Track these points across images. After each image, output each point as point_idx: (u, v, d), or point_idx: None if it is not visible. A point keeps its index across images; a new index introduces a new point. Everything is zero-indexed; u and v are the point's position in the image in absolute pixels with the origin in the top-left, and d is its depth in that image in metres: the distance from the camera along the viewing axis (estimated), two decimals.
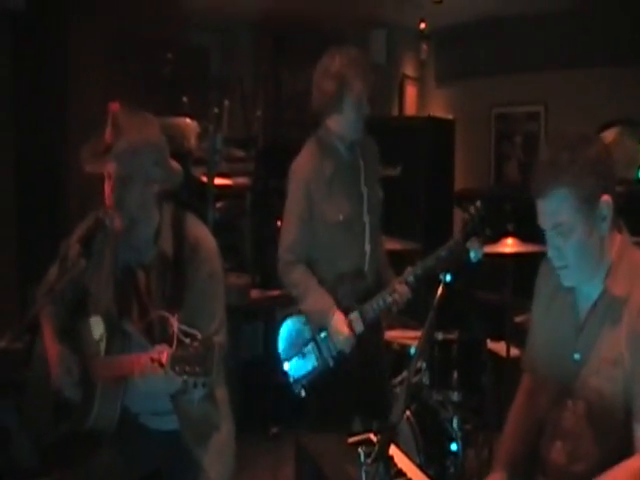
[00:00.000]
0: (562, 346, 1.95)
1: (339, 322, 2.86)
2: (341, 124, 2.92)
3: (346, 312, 2.89)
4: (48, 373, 2.29)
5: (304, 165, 2.96)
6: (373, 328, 2.97)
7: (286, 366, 2.99)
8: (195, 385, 1.94)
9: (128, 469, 2.32)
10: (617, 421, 1.82)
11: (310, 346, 2.95)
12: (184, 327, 2.06)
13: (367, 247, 3.00)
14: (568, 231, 1.83)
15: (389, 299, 2.86)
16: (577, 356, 1.90)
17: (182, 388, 1.98)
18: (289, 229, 2.98)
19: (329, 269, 2.97)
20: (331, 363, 2.92)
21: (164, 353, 1.99)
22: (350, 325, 2.87)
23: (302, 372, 2.97)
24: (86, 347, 2.30)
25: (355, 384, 2.95)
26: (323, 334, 2.93)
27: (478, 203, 2.72)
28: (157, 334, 2.25)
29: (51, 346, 2.32)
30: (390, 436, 1.71)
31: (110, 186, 2.23)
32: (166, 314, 2.15)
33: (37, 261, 2.51)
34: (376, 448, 1.73)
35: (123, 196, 2.23)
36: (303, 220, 2.94)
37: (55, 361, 2.28)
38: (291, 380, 2.99)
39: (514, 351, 3.72)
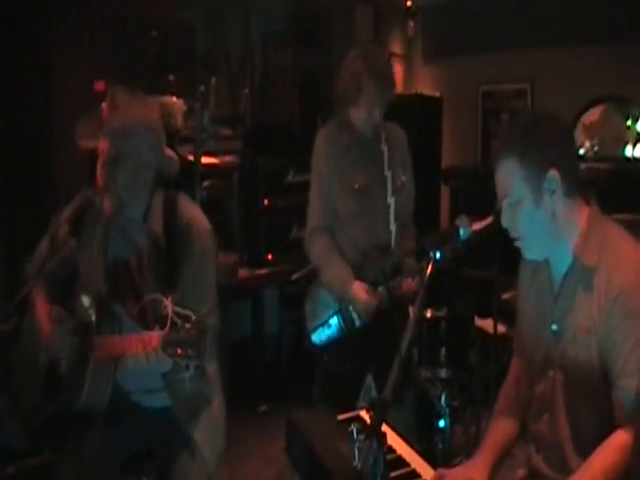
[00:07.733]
0: (542, 319, 2.00)
1: (358, 289, 2.93)
2: (354, 116, 3.00)
3: (373, 287, 2.95)
4: (37, 350, 2.27)
5: (322, 134, 3.09)
6: (397, 304, 3.01)
7: (313, 337, 3.06)
8: (187, 367, 1.95)
9: (121, 448, 2.33)
10: (592, 386, 1.86)
11: (335, 317, 3.02)
12: (178, 309, 2.06)
13: (392, 226, 3.06)
14: (516, 202, 1.88)
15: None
16: (555, 327, 1.96)
17: (173, 369, 1.99)
18: (312, 197, 3.09)
19: (351, 242, 3.03)
20: (345, 332, 2.98)
21: (155, 336, 1.99)
22: (370, 291, 2.92)
23: (325, 341, 3.04)
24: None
25: (372, 355, 2.99)
26: (348, 306, 2.99)
27: None
28: (150, 317, 2.24)
29: (42, 312, 2.29)
30: (383, 412, 1.70)
31: (101, 163, 2.21)
32: (160, 297, 2.13)
33: (23, 240, 2.48)
34: (369, 424, 1.71)
35: (113, 175, 2.21)
36: (323, 187, 3.04)
37: (48, 322, 2.26)
38: (315, 350, 3.07)
39: (501, 328, 3.73)
